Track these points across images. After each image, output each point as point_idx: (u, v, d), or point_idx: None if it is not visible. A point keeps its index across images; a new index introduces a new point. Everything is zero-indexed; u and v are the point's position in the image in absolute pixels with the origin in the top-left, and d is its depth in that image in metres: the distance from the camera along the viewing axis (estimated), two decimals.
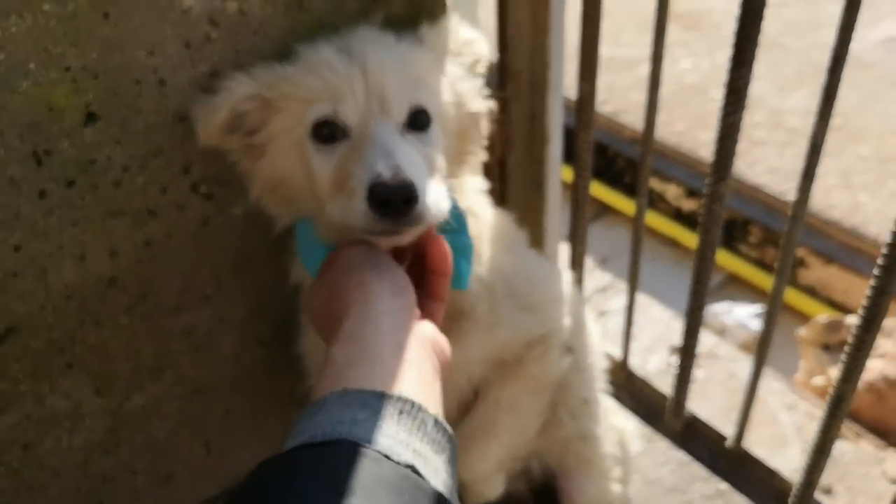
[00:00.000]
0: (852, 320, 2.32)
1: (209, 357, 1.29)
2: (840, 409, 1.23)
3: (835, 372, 2.21)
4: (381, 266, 0.85)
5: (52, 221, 0.99)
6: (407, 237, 0.91)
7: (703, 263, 1.33)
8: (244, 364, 1.34)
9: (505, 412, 1.20)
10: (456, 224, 0.97)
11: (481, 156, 1.12)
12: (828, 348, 2.32)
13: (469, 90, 1.05)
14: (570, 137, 1.47)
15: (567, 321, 1.24)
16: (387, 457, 0.62)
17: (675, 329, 2.15)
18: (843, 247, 2.79)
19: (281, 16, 1.03)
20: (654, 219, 3.32)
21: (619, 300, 2.32)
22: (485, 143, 1.11)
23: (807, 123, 3.48)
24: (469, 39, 1.07)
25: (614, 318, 2.24)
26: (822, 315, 2.42)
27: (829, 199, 2.92)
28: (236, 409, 1.40)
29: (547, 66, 1.37)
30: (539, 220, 1.62)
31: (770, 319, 1.35)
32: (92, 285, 1.08)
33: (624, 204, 3.42)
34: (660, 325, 2.20)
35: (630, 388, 1.75)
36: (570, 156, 1.53)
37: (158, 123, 1.01)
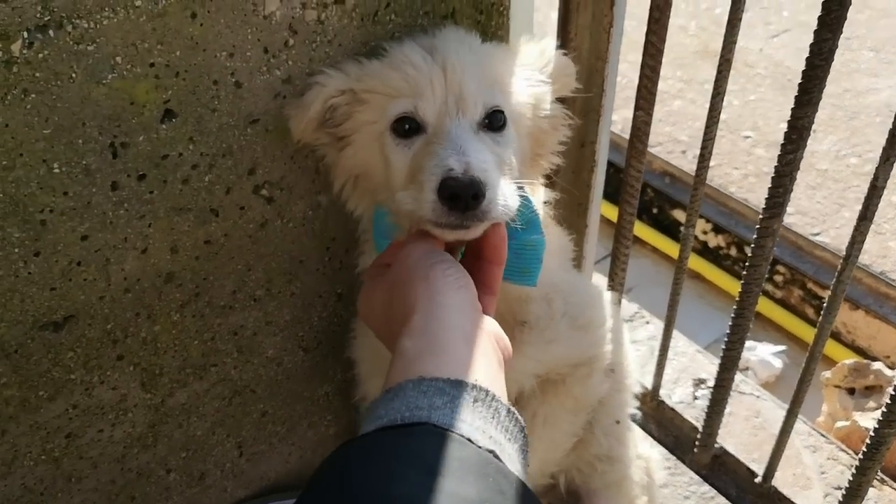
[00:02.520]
0: (878, 366, 2.32)
1: (252, 358, 1.29)
2: (879, 453, 1.23)
3: (859, 416, 2.21)
4: (444, 262, 0.86)
5: (120, 213, 1.00)
6: (473, 232, 0.91)
7: (748, 297, 1.33)
8: (285, 368, 1.35)
9: (541, 427, 1.20)
10: (529, 223, 0.98)
11: (555, 159, 1.13)
12: (852, 393, 2.31)
13: (545, 94, 1.07)
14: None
15: (610, 344, 1.24)
16: (469, 440, 0.62)
17: (699, 362, 2.14)
18: (870, 292, 2.78)
19: (356, 27, 1.05)
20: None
21: (644, 330, 2.31)
22: (559, 147, 1.13)
23: (837, 167, 3.43)
24: (559, 63, 1.09)
25: (640, 348, 2.23)
26: (848, 359, 2.40)
27: None
28: (271, 412, 1.40)
29: (602, 93, 1.38)
30: (579, 245, 1.62)
31: (811, 359, 1.35)
32: (150, 279, 1.09)
33: (649, 235, 3.41)
34: (684, 358, 2.19)
35: (659, 418, 1.74)
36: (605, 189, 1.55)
37: (230, 124, 1.02)
